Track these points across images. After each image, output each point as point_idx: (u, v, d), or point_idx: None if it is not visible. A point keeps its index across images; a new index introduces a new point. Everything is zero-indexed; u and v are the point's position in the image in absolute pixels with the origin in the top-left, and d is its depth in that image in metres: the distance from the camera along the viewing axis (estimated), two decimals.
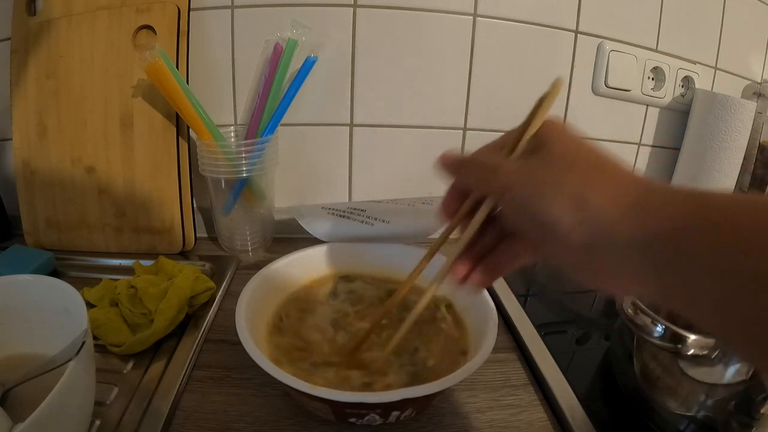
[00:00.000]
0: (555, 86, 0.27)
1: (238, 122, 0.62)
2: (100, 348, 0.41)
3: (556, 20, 0.62)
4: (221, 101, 0.61)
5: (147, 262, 0.52)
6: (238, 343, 0.32)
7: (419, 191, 0.64)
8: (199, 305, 0.47)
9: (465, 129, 0.65)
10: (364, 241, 0.48)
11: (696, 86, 0.69)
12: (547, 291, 0.58)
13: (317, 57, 0.56)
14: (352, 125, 0.63)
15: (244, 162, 0.54)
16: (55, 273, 0.54)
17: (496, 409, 0.37)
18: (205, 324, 0.45)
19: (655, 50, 0.67)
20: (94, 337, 0.37)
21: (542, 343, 0.43)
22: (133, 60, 0.55)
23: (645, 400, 0.37)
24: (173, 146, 0.56)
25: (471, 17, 0.60)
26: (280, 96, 0.56)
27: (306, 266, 0.45)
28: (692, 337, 0.31)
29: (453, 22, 0.60)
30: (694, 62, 0.70)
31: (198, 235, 0.61)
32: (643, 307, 0.34)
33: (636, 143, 0.71)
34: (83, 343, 0.28)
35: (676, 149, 0.72)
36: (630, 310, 0.34)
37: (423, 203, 0.53)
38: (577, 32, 0.63)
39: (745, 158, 0.68)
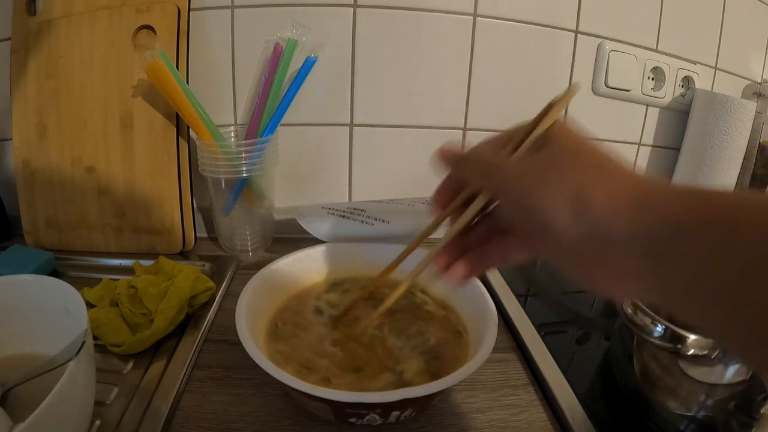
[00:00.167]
0: (570, 91, 0.27)
1: (238, 122, 0.62)
2: (100, 348, 0.41)
3: (556, 20, 0.62)
4: (221, 101, 0.61)
5: (147, 262, 0.52)
6: (238, 343, 0.32)
7: (419, 191, 0.64)
8: (199, 305, 0.47)
9: (465, 129, 0.65)
10: (364, 241, 0.48)
11: (696, 86, 0.69)
12: (547, 291, 0.58)
13: (317, 57, 0.56)
14: (352, 125, 0.63)
15: (244, 162, 0.54)
16: (55, 273, 0.54)
17: (496, 409, 0.37)
18: (205, 324, 0.45)
19: (655, 50, 0.67)
20: (94, 337, 0.37)
21: (542, 343, 0.43)
22: (133, 60, 0.55)
23: (645, 400, 0.37)
24: (173, 146, 0.56)
25: (471, 17, 0.60)
26: (280, 96, 0.56)
27: (306, 266, 0.45)
28: (692, 337, 0.31)
29: (453, 22, 0.60)
30: (694, 62, 0.70)
31: (198, 235, 0.61)
32: (643, 307, 0.34)
33: (636, 143, 0.71)
34: (83, 343, 0.28)
35: (676, 149, 0.72)
36: (630, 310, 0.34)
37: (423, 203, 0.53)
38: (577, 32, 0.63)
39: (745, 158, 0.68)
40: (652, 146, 0.72)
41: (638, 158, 0.72)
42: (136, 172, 0.56)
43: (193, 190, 0.59)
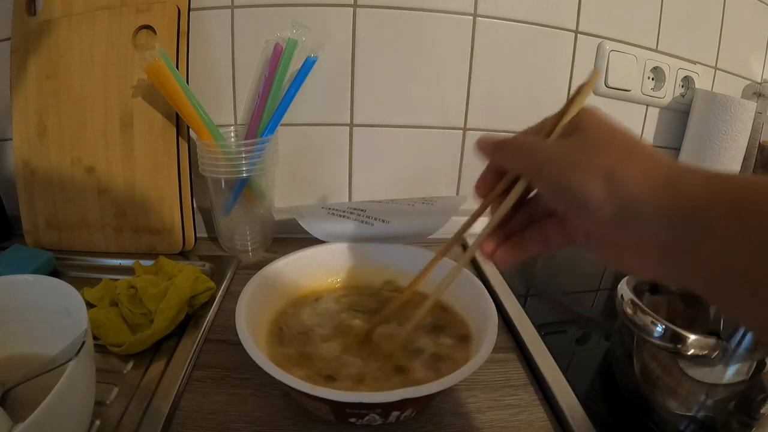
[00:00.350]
0: (593, 76, 0.29)
1: (238, 122, 0.62)
2: (100, 348, 0.41)
3: (556, 20, 0.62)
4: (221, 101, 0.61)
5: (147, 262, 0.52)
6: (238, 343, 0.32)
7: (419, 191, 0.64)
8: (199, 305, 0.47)
9: (465, 129, 0.65)
10: (364, 241, 0.48)
11: (696, 86, 0.69)
12: (547, 291, 0.58)
13: (317, 57, 0.56)
14: (352, 125, 0.63)
15: (244, 162, 0.54)
16: (55, 273, 0.54)
17: (496, 409, 0.37)
18: (205, 324, 0.45)
19: (655, 50, 0.67)
20: (94, 337, 0.37)
21: (542, 343, 0.43)
22: (133, 60, 0.55)
23: (645, 400, 0.37)
24: (173, 146, 0.56)
25: (471, 17, 0.60)
26: (280, 96, 0.56)
27: (306, 266, 0.45)
28: (692, 337, 0.31)
29: (453, 22, 0.60)
30: (694, 62, 0.70)
31: (198, 235, 0.61)
32: (643, 307, 0.34)
33: None
34: (83, 343, 0.28)
35: (676, 149, 0.72)
36: (630, 310, 0.34)
37: (423, 203, 0.53)
38: (577, 32, 0.63)
39: (745, 158, 0.68)
40: (653, 146, 0.72)
41: None
42: (136, 172, 0.56)
43: (193, 190, 0.59)
